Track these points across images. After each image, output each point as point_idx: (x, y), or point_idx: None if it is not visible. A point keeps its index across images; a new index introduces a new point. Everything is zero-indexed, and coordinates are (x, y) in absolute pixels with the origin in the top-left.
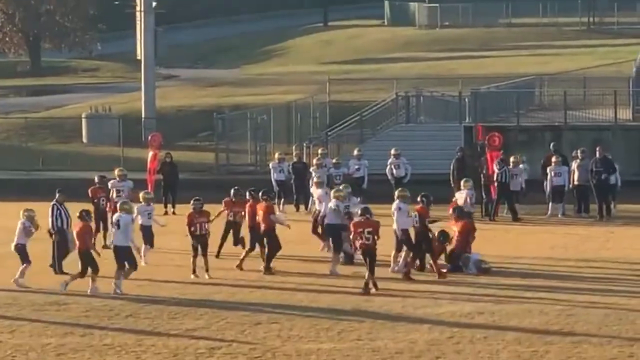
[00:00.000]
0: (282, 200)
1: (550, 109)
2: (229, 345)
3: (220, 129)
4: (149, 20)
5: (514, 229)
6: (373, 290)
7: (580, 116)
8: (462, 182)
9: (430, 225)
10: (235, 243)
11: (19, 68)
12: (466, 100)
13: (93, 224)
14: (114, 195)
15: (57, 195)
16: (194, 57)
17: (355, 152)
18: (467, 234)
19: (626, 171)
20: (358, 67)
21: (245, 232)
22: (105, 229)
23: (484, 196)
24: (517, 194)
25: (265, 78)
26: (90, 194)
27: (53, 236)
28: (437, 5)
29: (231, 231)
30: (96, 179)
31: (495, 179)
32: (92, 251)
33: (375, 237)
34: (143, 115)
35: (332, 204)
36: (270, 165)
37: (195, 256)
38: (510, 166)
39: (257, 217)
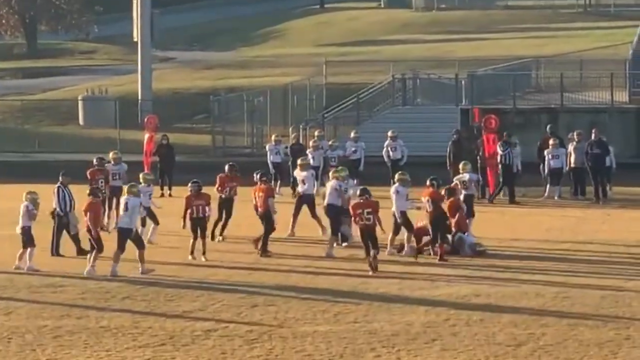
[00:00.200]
0: (279, 182)
1: (546, 92)
2: (225, 328)
3: (217, 111)
4: (145, 2)
5: (510, 211)
6: (370, 273)
7: (577, 98)
8: (461, 165)
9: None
10: (227, 218)
11: (15, 50)
12: (463, 82)
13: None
14: (111, 178)
15: (61, 177)
16: (190, 39)
17: (352, 135)
18: (456, 210)
19: (622, 153)
20: (355, 49)
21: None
22: (104, 210)
23: (480, 179)
24: (514, 176)
25: (261, 60)
26: (88, 176)
27: (56, 218)
28: None
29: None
30: (95, 161)
31: (499, 160)
32: (100, 229)
33: (377, 217)
34: (139, 98)
35: (332, 184)
36: (267, 147)
37: (195, 238)
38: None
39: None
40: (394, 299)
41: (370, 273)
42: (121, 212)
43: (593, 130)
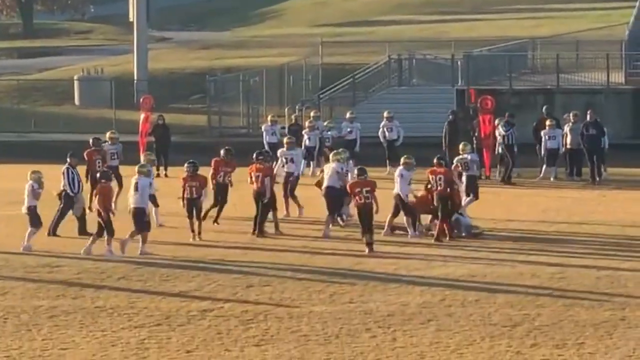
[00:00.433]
0: (275, 163)
1: (542, 72)
2: (220, 308)
3: (213, 91)
4: None
5: (506, 192)
6: (366, 252)
7: (573, 79)
8: (461, 146)
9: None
10: (222, 205)
11: (11, 30)
12: (459, 63)
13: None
14: (109, 158)
15: (69, 158)
16: (186, 19)
17: (348, 115)
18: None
19: (618, 134)
20: (351, 30)
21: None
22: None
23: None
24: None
25: (257, 40)
26: (85, 157)
27: (63, 199)
28: None
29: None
30: (91, 142)
31: (502, 141)
32: (110, 212)
33: (374, 196)
34: (135, 78)
35: (334, 166)
36: (263, 127)
37: (190, 217)
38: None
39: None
40: (389, 280)
41: (367, 252)
42: (131, 192)
43: (588, 112)
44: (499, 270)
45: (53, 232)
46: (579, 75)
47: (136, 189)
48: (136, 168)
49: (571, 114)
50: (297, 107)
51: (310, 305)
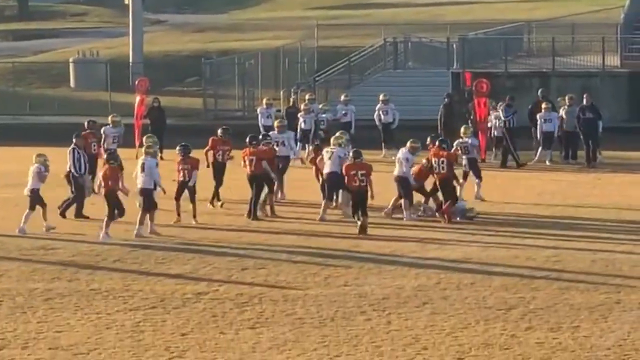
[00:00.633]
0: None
1: (538, 55)
2: (215, 291)
3: (208, 74)
4: None
5: (502, 175)
6: (362, 234)
7: (568, 62)
8: (462, 129)
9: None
10: (218, 185)
11: (7, 12)
12: (454, 46)
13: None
14: (111, 141)
15: (75, 139)
16: (181, 2)
17: (343, 98)
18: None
19: (614, 118)
20: (346, 13)
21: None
22: (94, 173)
23: None
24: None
25: (253, 23)
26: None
27: (72, 181)
28: None
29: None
30: (86, 124)
31: (504, 125)
32: (117, 194)
33: (370, 180)
34: (130, 60)
35: (337, 152)
36: (258, 110)
37: (177, 199)
38: (497, 112)
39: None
40: (384, 263)
41: (361, 234)
42: (138, 173)
43: (585, 95)
44: (494, 254)
45: (80, 214)
46: (575, 59)
47: (142, 169)
48: (143, 149)
49: (567, 97)
50: (292, 90)
51: (305, 288)
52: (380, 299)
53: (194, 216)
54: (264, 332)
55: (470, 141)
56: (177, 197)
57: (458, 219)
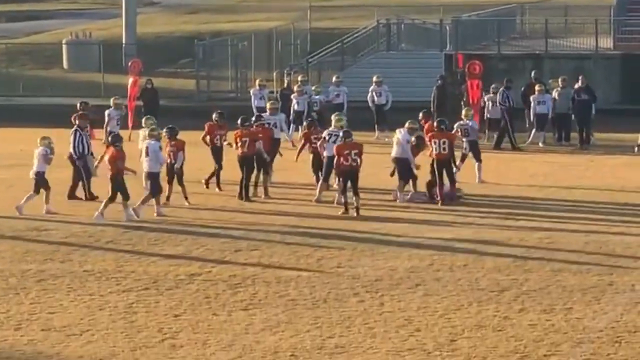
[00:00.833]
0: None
1: (531, 37)
2: (208, 272)
3: (201, 55)
4: None
5: (495, 157)
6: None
7: (561, 44)
8: (463, 112)
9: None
10: (218, 169)
11: None
12: (447, 28)
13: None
14: (115, 123)
15: (77, 120)
16: None
17: (334, 79)
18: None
19: (606, 100)
20: None
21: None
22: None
23: None
24: (498, 122)
25: (246, 5)
26: (73, 121)
27: (77, 162)
28: None
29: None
30: (78, 106)
31: (502, 107)
32: (123, 176)
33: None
34: (124, 42)
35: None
36: (251, 92)
37: (168, 182)
38: (491, 94)
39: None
40: (377, 244)
41: (340, 213)
42: (143, 157)
43: (580, 77)
44: (487, 235)
45: (90, 195)
46: (568, 41)
47: (147, 153)
48: (147, 132)
49: (559, 79)
50: (285, 71)
51: (298, 270)
52: (373, 280)
53: (185, 197)
54: (256, 313)
55: (470, 123)
56: (169, 180)
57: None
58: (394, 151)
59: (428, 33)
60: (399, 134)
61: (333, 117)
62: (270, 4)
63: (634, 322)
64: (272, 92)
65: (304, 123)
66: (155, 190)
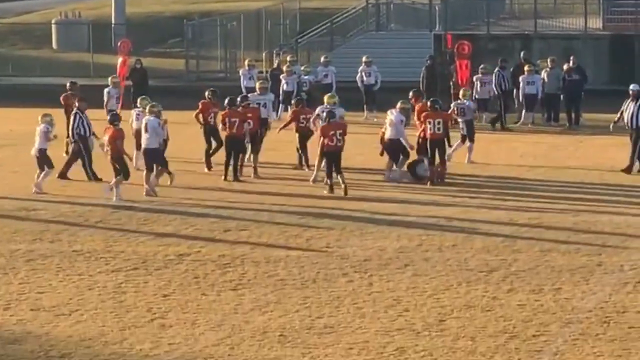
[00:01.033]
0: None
1: (520, 18)
2: (197, 252)
3: (190, 35)
4: None
5: (484, 137)
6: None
7: (551, 25)
8: (461, 92)
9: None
10: (218, 146)
11: None
12: (436, 8)
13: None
14: (114, 102)
15: (77, 103)
16: None
17: (322, 59)
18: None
19: (595, 80)
20: None
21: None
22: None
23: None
24: (486, 102)
25: None
26: (62, 101)
27: (80, 144)
28: None
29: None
30: (68, 86)
31: (497, 88)
32: (124, 156)
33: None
34: (113, 21)
35: (338, 112)
36: (240, 72)
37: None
38: (479, 74)
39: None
40: (366, 225)
41: (326, 192)
42: (142, 133)
43: (571, 57)
44: (476, 216)
45: (94, 177)
46: (557, 21)
47: (146, 129)
48: (147, 108)
49: (548, 60)
50: (274, 51)
51: (287, 250)
52: (362, 260)
53: (169, 174)
54: (245, 293)
55: (467, 103)
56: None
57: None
58: (388, 132)
59: (417, 13)
60: (391, 115)
61: (326, 96)
62: None
63: (622, 302)
64: (261, 72)
65: (293, 102)
66: (162, 164)
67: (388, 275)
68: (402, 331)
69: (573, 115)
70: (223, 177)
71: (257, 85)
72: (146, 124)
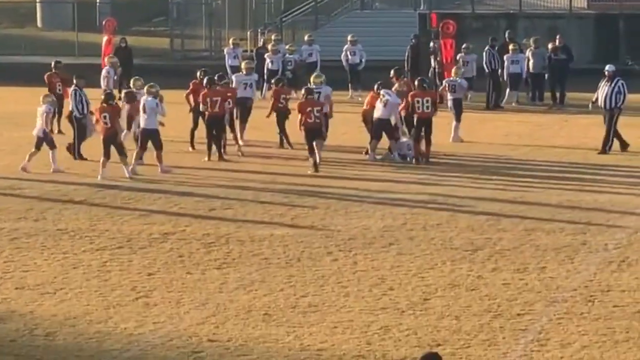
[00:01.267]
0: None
1: None
2: (182, 231)
3: (175, 14)
4: None
5: (469, 117)
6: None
7: (536, 4)
8: (454, 70)
9: None
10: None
11: None
12: None
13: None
14: (112, 81)
15: (75, 80)
16: None
17: (306, 38)
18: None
19: (580, 59)
20: None
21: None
22: (60, 114)
23: (439, 83)
24: (470, 81)
25: None
26: (45, 80)
27: (74, 122)
28: None
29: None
30: (52, 65)
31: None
32: (119, 134)
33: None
34: (98, 0)
35: (324, 90)
36: (225, 51)
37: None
38: (462, 54)
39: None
40: (351, 203)
41: (313, 172)
42: (141, 114)
43: (558, 36)
44: (461, 194)
45: (79, 155)
46: (542, 0)
47: (144, 110)
48: (145, 88)
49: (531, 40)
50: (259, 30)
51: (271, 229)
52: (346, 239)
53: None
54: (230, 272)
55: (459, 81)
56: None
57: (397, 155)
58: (380, 112)
59: None
60: (388, 96)
61: (312, 76)
62: None
63: (607, 281)
64: (245, 51)
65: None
66: (158, 146)
67: (373, 254)
68: (386, 310)
69: (558, 94)
70: (206, 158)
71: (243, 65)
72: (144, 105)
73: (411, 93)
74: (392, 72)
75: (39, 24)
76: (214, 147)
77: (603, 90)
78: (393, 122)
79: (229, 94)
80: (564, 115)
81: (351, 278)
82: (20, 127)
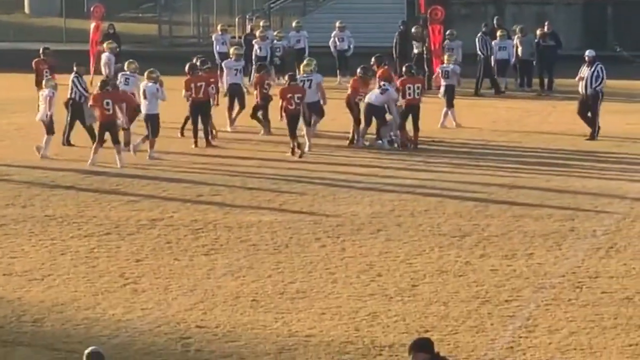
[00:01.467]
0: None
1: None
2: (170, 217)
3: (163, 0)
4: None
5: (457, 103)
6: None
7: None
8: (446, 56)
9: None
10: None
11: None
12: None
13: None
14: (112, 68)
15: (75, 67)
16: None
17: (294, 24)
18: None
19: (567, 46)
20: None
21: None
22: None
23: (427, 69)
24: None
25: None
26: (33, 66)
27: (70, 108)
28: None
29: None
30: (41, 51)
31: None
32: (115, 120)
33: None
34: None
35: (314, 78)
36: (213, 37)
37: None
38: (447, 40)
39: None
40: (339, 190)
41: (292, 155)
42: (142, 100)
43: (546, 23)
44: (449, 180)
45: (67, 142)
46: None
47: (145, 96)
48: (145, 74)
49: (518, 28)
50: (247, 17)
51: (259, 215)
52: (334, 225)
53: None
54: (218, 258)
55: (452, 67)
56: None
57: (386, 142)
58: (373, 98)
59: None
60: (388, 86)
61: (302, 63)
62: None
63: (595, 267)
64: (233, 37)
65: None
66: (154, 132)
67: (361, 240)
68: (374, 296)
69: (546, 80)
70: (193, 145)
71: (232, 51)
72: (144, 90)
73: (401, 79)
74: (372, 59)
75: (26, 10)
76: (200, 133)
77: (583, 74)
78: (388, 118)
79: (211, 79)
80: (552, 102)
81: (339, 264)
82: (9, 114)
